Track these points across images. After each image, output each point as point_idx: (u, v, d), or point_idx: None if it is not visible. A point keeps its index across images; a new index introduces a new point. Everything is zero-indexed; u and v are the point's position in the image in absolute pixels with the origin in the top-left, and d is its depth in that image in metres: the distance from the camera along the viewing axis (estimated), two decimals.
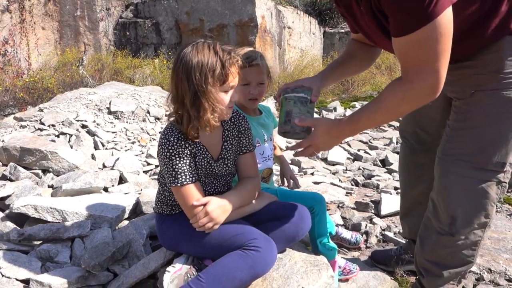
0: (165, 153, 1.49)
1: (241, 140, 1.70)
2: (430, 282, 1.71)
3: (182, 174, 1.49)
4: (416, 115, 1.87)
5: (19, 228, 2.03)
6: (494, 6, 1.32)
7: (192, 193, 1.50)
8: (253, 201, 1.67)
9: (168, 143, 1.49)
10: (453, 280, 1.70)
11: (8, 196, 2.38)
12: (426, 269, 1.70)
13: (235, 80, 1.51)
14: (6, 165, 2.90)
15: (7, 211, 2.23)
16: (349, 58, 1.82)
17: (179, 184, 1.49)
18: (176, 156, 1.49)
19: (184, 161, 1.50)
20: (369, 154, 4.19)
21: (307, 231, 1.70)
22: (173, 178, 1.49)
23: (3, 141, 3.16)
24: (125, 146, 3.58)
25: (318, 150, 1.54)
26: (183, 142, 1.50)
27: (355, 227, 2.59)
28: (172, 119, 1.56)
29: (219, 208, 1.48)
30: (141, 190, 2.69)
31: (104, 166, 3.19)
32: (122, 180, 2.90)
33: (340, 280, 1.99)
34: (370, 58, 1.84)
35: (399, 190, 3.18)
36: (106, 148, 3.51)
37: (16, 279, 1.68)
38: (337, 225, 2.47)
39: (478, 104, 1.41)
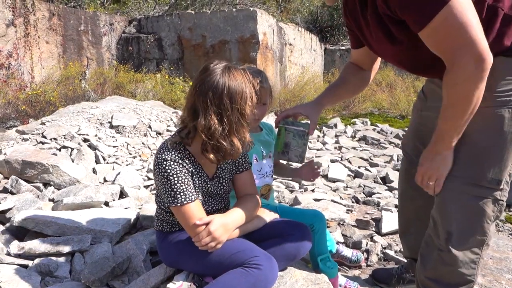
0: (162, 173, 1.48)
1: (237, 159, 1.71)
2: None
3: (182, 194, 1.48)
4: (418, 130, 1.89)
5: (19, 242, 2.02)
6: (486, 26, 1.34)
7: (193, 212, 1.49)
8: (255, 219, 1.67)
9: (165, 162, 1.48)
10: None
11: (9, 209, 2.38)
12: (427, 287, 1.69)
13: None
14: (8, 178, 2.90)
15: (7, 224, 2.23)
16: (343, 83, 1.92)
17: (178, 204, 1.48)
18: (174, 175, 1.48)
19: (182, 180, 1.49)
20: (370, 171, 4.19)
21: (308, 249, 1.70)
22: (172, 198, 1.48)
23: (5, 154, 3.16)
24: (126, 161, 3.59)
25: (441, 176, 1.53)
26: (180, 161, 1.50)
27: (356, 245, 2.58)
28: (170, 138, 1.57)
29: (221, 227, 1.48)
30: (142, 205, 2.69)
31: (105, 180, 3.19)
32: (122, 194, 2.90)
33: None
34: (363, 82, 1.96)
35: None
36: (107, 162, 3.51)
37: None
38: (337, 243, 2.46)
39: (472, 121, 1.43)
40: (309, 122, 1.82)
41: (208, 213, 1.59)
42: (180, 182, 1.48)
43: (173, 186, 1.47)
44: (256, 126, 2.02)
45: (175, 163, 1.48)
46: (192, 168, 1.55)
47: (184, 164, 1.51)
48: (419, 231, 1.96)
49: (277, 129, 1.89)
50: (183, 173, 1.49)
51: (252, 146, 1.67)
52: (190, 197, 1.49)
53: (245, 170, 1.72)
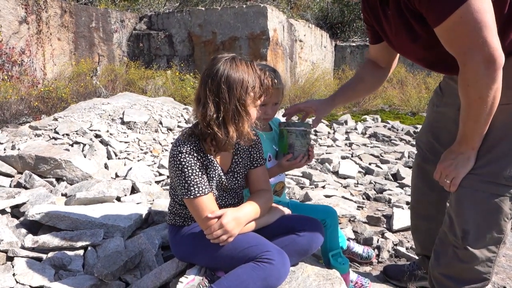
0: (177, 165, 1.49)
1: (252, 154, 1.71)
2: None
3: (195, 186, 1.49)
4: (433, 125, 1.87)
5: (33, 236, 2.05)
6: (508, 21, 1.33)
7: (206, 205, 1.50)
8: (267, 214, 1.67)
9: (180, 154, 1.49)
10: None
11: (23, 203, 2.41)
12: (441, 283, 1.68)
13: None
14: (21, 173, 2.94)
15: (21, 219, 2.26)
16: (359, 82, 1.92)
17: (192, 196, 1.49)
18: (188, 167, 1.49)
19: (197, 172, 1.50)
20: (381, 168, 4.17)
21: (319, 244, 1.70)
22: (186, 190, 1.50)
23: (18, 149, 3.21)
24: (138, 156, 3.61)
25: (458, 175, 1.52)
26: (195, 154, 1.51)
27: (367, 242, 2.57)
28: (185, 131, 1.57)
29: (233, 221, 1.48)
30: (153, 200, 2.71)
31: (117, 176, 3.21)
32: (134, 190, 2.92)
33: None
34: (379, 80, 1.94)
35: None
36: (119, 158, 3.54)
37: (30, 286, 1.69)
38: (348, 239, 2.45)
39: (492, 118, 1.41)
40: (310, 122, 1.84)
41: (222, 207, 1.60)
42: (194, 174, 1.49)
43: (187, 178, 1.48)
44: (266, 125, 2.02)
45: (190, 156, 1.49)
46: (206, 162, 1.55)
47: (199, 157, 1.51)
48: (431, 228, 1.95)
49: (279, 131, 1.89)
50: (197, 166, 1.50)
51: (254, 140, 1.65)
52: (203, 190, 1.50)
53: (259, 166, 1.72)
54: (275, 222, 1.71)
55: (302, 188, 3.48)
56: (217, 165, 1.60)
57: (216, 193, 1.62)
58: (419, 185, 1.99)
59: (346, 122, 6.54)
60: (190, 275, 1.60)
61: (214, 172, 1.59)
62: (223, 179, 1.63)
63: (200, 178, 1.51)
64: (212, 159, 1.58)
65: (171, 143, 4.07)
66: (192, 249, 1.62)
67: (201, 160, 1.53)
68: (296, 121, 1.92)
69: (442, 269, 1.64)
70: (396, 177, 3.89)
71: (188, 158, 1.49)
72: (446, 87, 1.82)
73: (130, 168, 3.20)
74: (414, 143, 5.17)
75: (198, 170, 1.51)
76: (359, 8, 13.22)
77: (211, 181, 1.58)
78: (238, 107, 1.47)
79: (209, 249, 1.55)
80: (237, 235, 1.53)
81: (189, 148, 1.50)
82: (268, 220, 1.67)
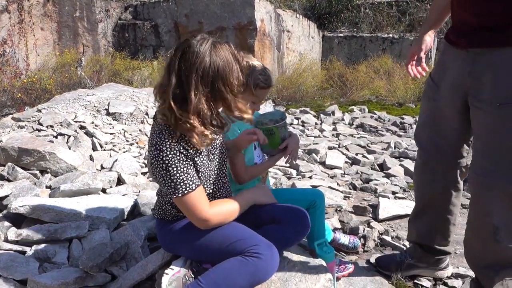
0: (160, 165, 1.42)
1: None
2: (483, 280, 1.71)
3: (182, 184, 1.43)
4: (432, 120, 1.85)
5: (16, 229, 2.02)
6: None
7: (195, 201, 1.45)
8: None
9: (161, 154, 1.41)
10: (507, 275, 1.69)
11: (6, 196, 2.37)
12: (482, 273, 1.70)
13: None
14: (4, 165, 2.89)
15: (4, 211, 2.22)
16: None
17: (180, 195, 1.44)
18: (172, 165, 1.42)
19: (181, 168, 1.43)
20: (367, 158, 4.20)
21: (305, 234, 1.71)
22: (173, 190, 1.44)
23: (1, 141, 3.14)
24: (123, 148, 3.58)
25: None
26: (176, 148, 1.43)
27: (353, 231, 2.60)
28: (159, 119, 1.46)
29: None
30: (139, 191, 2.69)
31: (102, 167, 3.18)
32: (120, 181, 2.89)
33: (336, 279, 1.99)
34: None
35: (397, 195, 3.19)
36: (104, 150, 3.50)
37: (14, 280, 1.67)
38: (334, 231, 2.47)
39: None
40: (280, 109, 1.88)
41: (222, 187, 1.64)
42: (179, 171, 1.43)
43: (172, 177, 1.42)
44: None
45: (172, 152, 1.42)
46: (192, 150, 1.48)
47: (182, 149, 1.44)
48: (434, 218, 1.98)
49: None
50: (181, 160, 1.43)
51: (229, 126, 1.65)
52: (190, 186, 1.44)
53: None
54: (262, 212, 1.71)
55: (289, 178, 3.49)
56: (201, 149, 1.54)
57: (214, 176, 1.60)
58: (425, 180, 1.98)
59: (333, 113, 6.56)
60: (175, 267, 1.60)
61: (200, 156, 1.52)
62: (210, 156, 1.60)
63: (185, 174, 1.44)
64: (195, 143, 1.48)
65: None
66: (180, 242, 1.61)
67: (184, 151, 1.45)
68: (267, 112, 1.94)
69: (477, 260, 1.68)
70: (382, 167, 3.92)
71: (170, 155, 1.42)
72: (439, 77, 1.81)
73: (116, 160, 3.17)
74: (404, 136, 5.24)
75: (182, 164, 1.43)
76: None
77: (203, 167, 1.53)
78: (225, 93, 1.43)
79: (197, 242, 1.54)
80: (226, 228, 1.52)
81: (168, 143, 1.42)
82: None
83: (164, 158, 1.41)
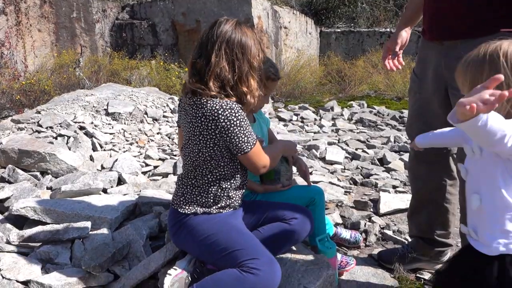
0: (234, 121, 1.49)
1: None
2: None
3: (252, 135, 1.55)
4: (420, 113, 1.91)
5: (18, 230, 2.03)
6: None
7: (260, 149, 1.60)
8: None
9: (231, 111, 1.49)
10: None
11: (7, 198, 2.37)
12: None
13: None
14: (4, 168, 2.89)
15: (6, 213, 2.23)
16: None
17: (253, 146, 1.55)
18: (244, 120, 1.52)
19: (247, 124, 1.55)
20: (367, 153, 4.20)
21: (309, 232, 1.71)
22: (246, 143, 1.53)
23: (1, 143, 3.14)
24: (123, 147, 3.58)
25: None
26: (243, 112, 1.55)
27: (354, 226, 2.60)
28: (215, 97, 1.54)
29: None
30: (140, 191, 2.69)
31: (103, 168, 3.18)
32: (120, 181, 2.89)
33: (338, 274, 2.00)
34: None
35: (398, 189, 3.19)
36: (104, 150, 3.50)
37: (17, 281, 1.68)
38: (335, 225, 2.48)
39: None
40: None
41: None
42: (248, 125, 1.54)
43: (245, 131, 1.53)
44: (250, 116, 2.04)
45: (241, 110, 1.52)
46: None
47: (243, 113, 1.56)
48: (432, 212, 2.02)
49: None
50: (247, 120, 1.56)
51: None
52: (254, 137, 1.58)
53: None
54: (266, 211, 1.72)
55: None
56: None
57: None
58: (420, 173, 2.02)
59: (332, 108, 6.56)
60: (179, 268, 1.60)
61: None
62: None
63: (250, 128, 1.56)
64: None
65: (157, 133, 4.03)
66: (189, 237, 1.60)
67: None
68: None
69: None
70: (382, 161, 3.92)
71: (240, 112, 1.51)
72: (421, 71, 1.89)
73: (116, 160, 3.17)
74: (404, 130, 5.24)
75: (248, 122, 1.56)
76: None
77: None
78: (250, 70, 1.55)
79: (204, 241, 1.54)
80: (234, 233, 1.53)
81: (237, 105, 1.53)
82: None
83: (237, 114, 1.50)
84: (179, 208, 1.63)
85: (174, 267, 1.64)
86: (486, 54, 1.16)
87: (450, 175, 1.97)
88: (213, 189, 1.58)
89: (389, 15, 13.43)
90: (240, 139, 1.51)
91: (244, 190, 1.70)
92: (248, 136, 1.53)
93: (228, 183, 1.60)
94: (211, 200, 1.60)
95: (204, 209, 1.60)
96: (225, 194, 1.60)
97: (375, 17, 13.38)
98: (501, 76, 0.97)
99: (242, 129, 1.51)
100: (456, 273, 1.32)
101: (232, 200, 1.63)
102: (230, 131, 1.50)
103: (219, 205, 1.59)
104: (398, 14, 13.02)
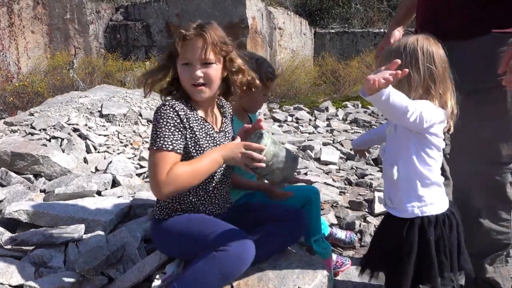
0: (155, 117, 1.49)
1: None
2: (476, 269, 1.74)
3: (162, 138, 1.45)
4: None
5: (11, 234, 2.01)
6: None
7: (163, 160, 1.43)
8: None
9: (163, 106, 1.49)
10: (498, 262, 1.81)
11: (0, 201, 2.35)
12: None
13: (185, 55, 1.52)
14: None
15: None
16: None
17: (154, 147, 1.45)
18: (163, 120, 1.46)
19: (170, 127, 1.46)
20: None
21: (303, 233, 1.72)
22: (152, 141, 1.46)
23: None
24: (118, 149, 3.56)
25: None
26: (177, 110, 1.49)
27: (349, 226, 2.60)
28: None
29: None
30: (135, 193, 2.68)
31: (97, 170, 3.16)
32: (115, 183, 2.88)
33: (334, 275, 2.00)
34: None
35: None
36: (98, 152, 3.48)
37: (9, 285, 1.66)
38: (331, 226, 2.48)
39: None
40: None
41: (214, 178, 1.63)
42: (166, 128, 1.46)
43: (157, 130, 1.46)
44: (245, 117, 2.04)
45: (171, 109, 1.48)
46: (192, 121, 1.54)
47: (181, 118, 1.49)
48: None
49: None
50: (174, 124, 1.48)
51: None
52: (168, 145, 1.45)
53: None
54: (259, 212, 1.71)
55: None
56: (206, 123, 1.60)
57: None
58: None
59: (327, 108, 6.57)
60: (169, 270, 1.60)
61: (201, 131, 1.56)
62: (215, 137, 1.61)
63: (170, 133, 1.46)
64: (198, 117, 1.57)
65: None
66: (169, 239, 1.61)
67: (183, 121, 1.50)
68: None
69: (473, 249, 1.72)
70: (377, 161, 3.94)
71: (168, 111, 1.47)
72: None
73: (110, 162, 3.15)
74: None
75: (172, 126, 1.47)
76: None
77: (202, 141, 1.55)
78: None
79: (180, 238, 1.55)
80: (203, 222, 1.53)
81: (172, 103, 1.49)
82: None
83: (162, 112, 1.48)
84: (155, 215, 1.66)
85: (164, 271, 1.64)
86: (406, 45, 1.38)
87: (443, 175, 1.99)
88: (179, 195, 1.59)
89: (383, 16, 13.49)
90: (151, 136, 1.49)
91: (216, 201, 1.67)
92: (158, 136, 1.45)
93: (189, 190, 1.58)
94: (177, 205, 1.61)
95: (174, 212, 1.62)
96: (189, 199, 1.60)
97: (369, 17, 13.45)
98: (399, 61, 1.19)
99: (156, 125, 1.47)
100: (379, 240, 1.54)
101: (201, 207, 1.62)
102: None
103: (185, 209, 1.61)
104: (391, 15, 13.09)
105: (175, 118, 1.48)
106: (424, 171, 1.38)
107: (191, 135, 1.53)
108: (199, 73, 1.50)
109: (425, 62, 1.36)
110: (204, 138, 1.57)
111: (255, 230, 1.63)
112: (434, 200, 1.41)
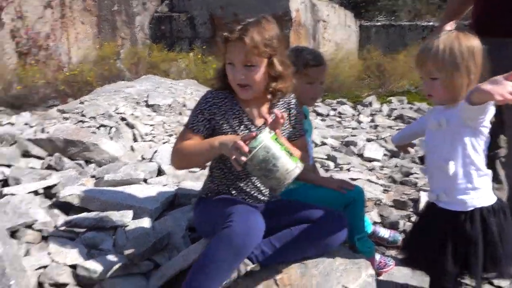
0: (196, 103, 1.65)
1: (293, 124, 1.72)
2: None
3: (189, 119, 1.63)
4: None
5: (65, 216, 2.11)
6: None
7: (188, 137, 1.58)
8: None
9: (203, 96, 1.65)
10: None
11: (54, 185, 2.47)
12: None
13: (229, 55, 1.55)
14: (51, 155, 3.01)
15: (53, 199, 2.32)
16: None
17: (185, 126, 1.64)
18: (196, 105, 1.64)
19: (196, 111, 1.61)
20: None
21: (343, 239, 1.63)
22: (187, 122, 1.63)
23: (48, 132, 3.28)
24: (163, 139, 3.65)
25: None
26: (205, 100, 1.62)
27: (393, 225, 2.55)
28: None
29: None
30: (179, 182, 2.74)
31: (143, 158, 3.26)
32: (160, 172, 2.95)
33: (376, 275, 1.96)
34: None
35: None
36: (144, 141, 3.58)
37: (65, 264, 1.75)
38: (374, 224, 2.43)
39: None
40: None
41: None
42: (194, 111, 1.63)
43: (192, 112, 1.64)
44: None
45: (204, 97, 1.63)
46: (231, 110, 1.62)
47: (210, 101, 1.61)
48: None
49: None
50: (200, 108, 1.61)
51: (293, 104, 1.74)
52: (189, 124, 1.61)
53: (300, 137, 1.75)
54: (300, 214, 1.67)
55: (326, 171, 3.46)
56: (246, 116, 1.62)
57: None
58: None
59: (371, 103, 6.42)
60: None
61: (236, 120, 1.61)
62: (252, 130, 1.61)
63: (195, 116, 1.61)
64: (241, 108, 1.63)
65: None
66: (198, 219, 1.76)
67: (217, 106, 1.61)
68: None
69: None
70: (422, 160, 3.81)
71: (202, 98, 1.63)
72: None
73: (156, 151, 3.23)
74: None
75: (199, 110, 1.61)
76: None
77: (237, 131, 1.61)
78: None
79: (203, 218, 1.70)
80: (226, 205, 1.54)
81: (209, 92, 1.65)
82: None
83: (201, 100, 1.65)
84: (200, 195, 1.80)
85: None
86: (450, 47, 1.38)
87: (497, 178, 1.90)
88: (211, 175, 1.74)
89: (432, 9, 13.00)
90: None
91: (248, 190, 1.69)
92: (191, 116, 1.62)
93: (218, 172, 1.69)
94: (209, 185, 1.74)
95: (211, 193, 1.73)
96: (217, 182, 1.70)
97: (417, 10, 12.98)
98: None
99: (194, 108, 1.64)
100: (425, 234, 1.52)
101: (233, 192, 1.68)
102: None
103: (215, 192, 1.70)
104: (441, 7, 12.57)
105: (203, 104, 1.61)
106: (478, 162, 1.42)
107: (220, 122, 1.61)
108: (241, 75, 1.53)
109: (469, 60, 1.38)
110: (239, 129, 1.61)
111: (293, 228, 1.62)
112: (488, 190, 1.45)
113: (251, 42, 1.47)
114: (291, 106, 1.73)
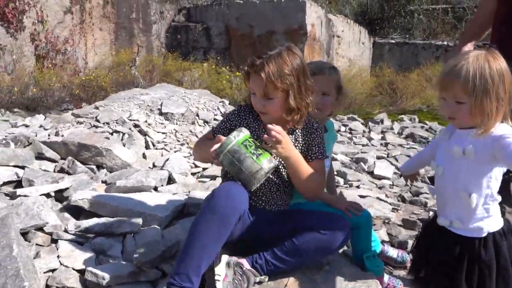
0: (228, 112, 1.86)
1: (310, 145, 1.75)
2: None
3: (217, 126, 1.79)
4: None
5: (75, 220, 2.13)
6: None
7: (204, 134, 1.92)
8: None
9: (233, 109, 1.82)
10: None
11: (66, 188, 2.50)
12: None
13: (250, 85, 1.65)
14: (65, 159, 3.05)
15: (64, 203, 2.35)
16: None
17: (212, 128, 1.84)
18: (226, 117, 1.80)
19: (223, 119, 1.80)
20: None
21: (340, 240, 1.63)
22: (215, 125, 1.82)
23: (62, 136, 3.33)
24: (175, 147, 3.68)
25: None
26: (238, 114, 1.77)
27: (402, 245, 2.52)
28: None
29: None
30: (189, 191, 2.75)
31: (154, 166, 3.28)
32: (170, 180, 2.97)
33: None
34: None
35: None
36: (156, 148, 3.62)
37: (73, 269, 1.77)
38: (382, 243, 2.41)
39: None
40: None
41: (264, 186, 1.72)
42: (224, 122, 1.79)
43: (223, 119, 1.81)
44: (322, 119, 2.00)
45: (233, 110, 1.81)
46: (255, 124, 1.75)
47: (235, 114, 1.79)
48: None
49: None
50: (227, 118, 1.79)
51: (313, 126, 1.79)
52: (215, 127, 1.80)
53: (315, 159, 1.74)
54: (297, 218, 1.70)
55: (336, 186, 3.44)
56: (264, 132, 1.63)
57: None
58: None
59: (382, 121, 6.41)
60: (221, 273, 1.61)
61: (255, 135, 1.68)
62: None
63: (222, 123, 1.79)
64: (260, 125, 1.72)
65: None
66: None
67: (242, 119, 1.77)
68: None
69: None
70: (432, 180, 3.78)
71: (232, 110, 1.82)
72: None
73: (167, 159, 3.26)
74: None
75: (226, 118, 1.79)
76: (399, 4, 12.88)
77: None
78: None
79: None
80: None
81: (239, 107, 1.81)
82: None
83: (230, 112, 1.83)
84: None
85: (217, 274, 1.65)
86: (496, 70, 1.31)
87: (509, 201, 1.89)
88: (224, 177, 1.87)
89: (447, 28, 12.98)
90: None
91: (260, 195, 1.76)
92: (219, 123, 1.82)
93: (229, 175, 1.76)
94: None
95: None
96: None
97: (431, 29, 12.98)
98: None
99: (224, 117, 1.82)
100: (435, 258, 1.50)
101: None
102: None
103: None
104: (456, 27, 12.56)
105: (231, 115, 1.79)
106: (495, 191, 1.41)
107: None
108: (260, 105, 1.65)
109: (499, 85, 1.32)
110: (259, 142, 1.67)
111: (290, 237, 1.63)
112: (498, 213, 1.46)
113: (267, 77, 1.56)
114: (312, 130, 1.77)
